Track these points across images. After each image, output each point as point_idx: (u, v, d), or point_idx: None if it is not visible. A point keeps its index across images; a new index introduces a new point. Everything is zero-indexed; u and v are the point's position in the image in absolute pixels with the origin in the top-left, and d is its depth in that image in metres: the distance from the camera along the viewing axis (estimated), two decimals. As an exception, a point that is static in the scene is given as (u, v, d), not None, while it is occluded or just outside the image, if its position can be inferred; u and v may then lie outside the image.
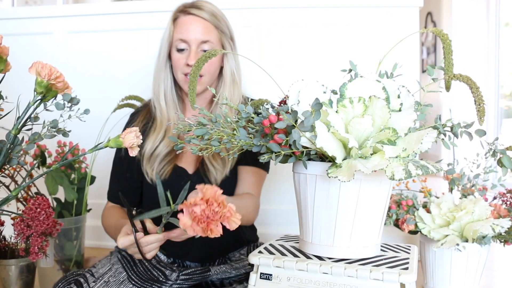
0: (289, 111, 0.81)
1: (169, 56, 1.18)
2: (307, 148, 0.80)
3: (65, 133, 1.07)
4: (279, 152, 0.79)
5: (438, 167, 0.78)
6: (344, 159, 0.79)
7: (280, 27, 1.75)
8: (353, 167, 0.74)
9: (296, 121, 0.77)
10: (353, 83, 0.82)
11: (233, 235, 1.23)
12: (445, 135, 0.87)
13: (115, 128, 1.53)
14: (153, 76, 1.21)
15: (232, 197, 1.18)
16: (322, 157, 0.84)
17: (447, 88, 0.88)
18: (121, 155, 1.21)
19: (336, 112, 0.80)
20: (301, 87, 0.83)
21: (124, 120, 1.32)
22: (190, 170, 1.18)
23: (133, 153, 0.93)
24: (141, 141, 0.96)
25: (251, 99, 0.97)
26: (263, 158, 0.81)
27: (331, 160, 0.81)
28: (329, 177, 0.76)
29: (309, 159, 0.84)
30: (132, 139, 0.92)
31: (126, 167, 1.21)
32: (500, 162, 0.86)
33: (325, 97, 0.83)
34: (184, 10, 1.15)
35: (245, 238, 1.26)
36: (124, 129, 1.24)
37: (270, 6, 1.75)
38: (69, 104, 1.01)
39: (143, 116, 1.22)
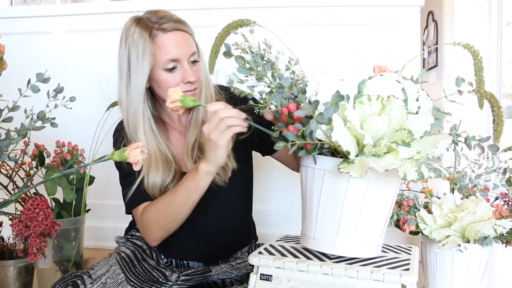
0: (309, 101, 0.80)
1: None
2: (321, 141, 0.80)
3: (53, 123, 1.07)
4: (294, 141, 0.77)
5: (450, 171, 0.78)
6: (356, 155, 0.79)
7: (280, 26, 1.74)
8: (366, 164, 0.73)
9: (315, 111, 0.76)
10: (372, 81, 0.81)
11: (241, 233, 1.24)
12: (457, 144, 0.86)
13: (113, 128, 1.52)
14: (125, 106, 1.08)
15: None
16: (334, 152, 0.83)
17: (480, 106, 0.88)
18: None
19: (353, 107, 0.79)
20: (320, 78, 0.82)
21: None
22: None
23: (136, 167, 0.93)
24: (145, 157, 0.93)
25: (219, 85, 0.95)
26: (278, 146, 0.79)
27: (343, 156, 0.80)
28: (340, 173, 0.75)
29: (320, 154, 0.83)
30: (137, 155, 0.92)
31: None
32: (509, 182, 0.85)
33: (343, 91, 0.82)
34: (160, 28, 1.03)
35: (250, 236, 1.27)
36: (114, 145, 1.14)
37: (271, 5, 1.74)
38: (54, 93, 1.02)
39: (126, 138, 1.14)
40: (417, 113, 0.81)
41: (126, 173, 1.11)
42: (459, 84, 0.87)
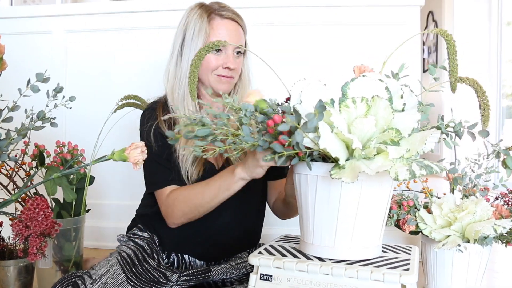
0: (292, 112, 0.79)
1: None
2: (310, 148, 0.79)
3: (53, 123, 1.08)
4: (282, 153, 0.77)
5: (442, 167, 0.77)
6: (347, 159, 0.78)
7: (281, 26, 1.74)
8: (357, 168, 0.73)
9: (299, 122, 0.76)
10: (355, 83, 0.81)
11: (252, 235, 1.25)
12: (447, 135, 0.86)
13: (114, 128, 1.52)
14: (172, 77, 1.16)
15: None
16: (324, 157, 0.83)
17: (453, 89, 0.87)
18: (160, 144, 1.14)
19: (339, 111, 0.79)
20: (303, 86, 0.82)
21: (124, 120, 1.31)
22: (217, 166, 1.18)
23: (137, 168, 0.93)
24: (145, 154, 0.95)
25: None
26: (265, 159, 0.80)
27: (334, 160, 0.80)
28: (332, 178, 0.75)
29: (312, 160, 0.83)
30: (137, 155, 0.92)
31: (167, 155, 1.14)
32: (504, 163, 0.85)
33: (327, 97, 0.82)
34: (218, 13, 1.14)
35: (258, 237, 1.29)
36: (143, 123, 1.17)
37: (272, 5, 1.74)
38: (53, 93, 1.03)
39: (163, 113, 1.18)
40: (403, 110, 0.80)
41: (154, 152, 1.13)
42: (433, 72, 0.87)
